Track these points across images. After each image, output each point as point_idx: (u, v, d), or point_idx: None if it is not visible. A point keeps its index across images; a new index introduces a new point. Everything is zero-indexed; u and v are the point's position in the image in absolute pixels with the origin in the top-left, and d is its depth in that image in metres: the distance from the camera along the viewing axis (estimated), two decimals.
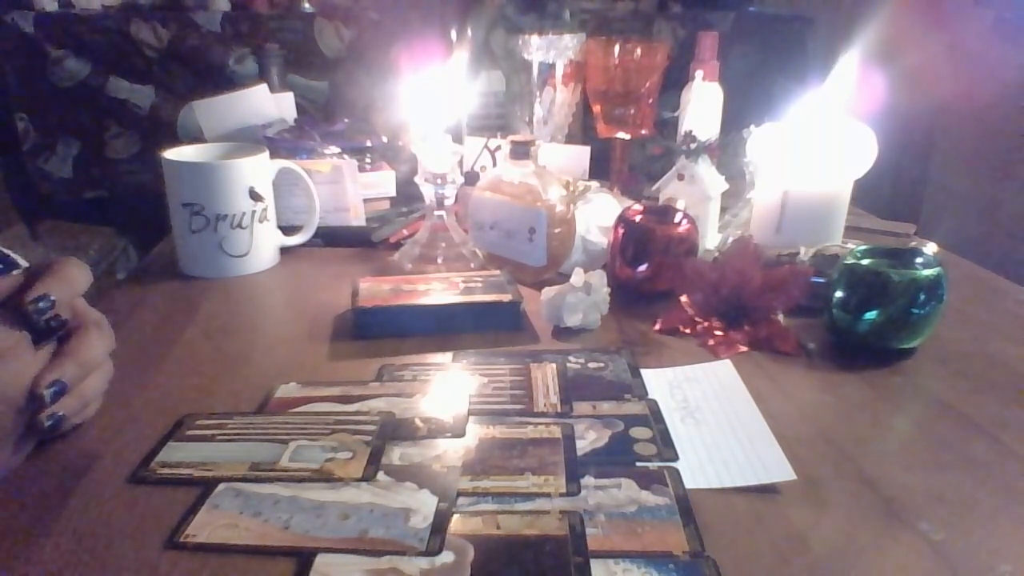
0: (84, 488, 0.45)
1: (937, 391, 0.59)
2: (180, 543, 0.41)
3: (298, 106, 1.07)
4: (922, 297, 0.61)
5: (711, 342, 0.66)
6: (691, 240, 0.75)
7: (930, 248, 0.76)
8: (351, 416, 0.53)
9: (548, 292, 0.68)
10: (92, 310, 0.51)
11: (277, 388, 0.57)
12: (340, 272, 0.81)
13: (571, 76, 1.04)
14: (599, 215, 0.82)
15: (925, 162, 2.08)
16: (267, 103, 1.00)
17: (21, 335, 0.45)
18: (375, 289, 0.70)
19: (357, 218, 0.93)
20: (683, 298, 0.70)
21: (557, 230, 0.76)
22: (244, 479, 0.46)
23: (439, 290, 0.70)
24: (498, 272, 0.75)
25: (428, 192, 0.79)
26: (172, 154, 0.79)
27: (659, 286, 0.74)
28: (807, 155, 0.79)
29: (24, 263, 0.52)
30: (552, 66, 1.03)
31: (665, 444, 0.50)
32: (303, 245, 0.87)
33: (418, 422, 0.53)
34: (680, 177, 0.84)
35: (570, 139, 1.07)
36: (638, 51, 0.95)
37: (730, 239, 0.84)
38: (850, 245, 0.72)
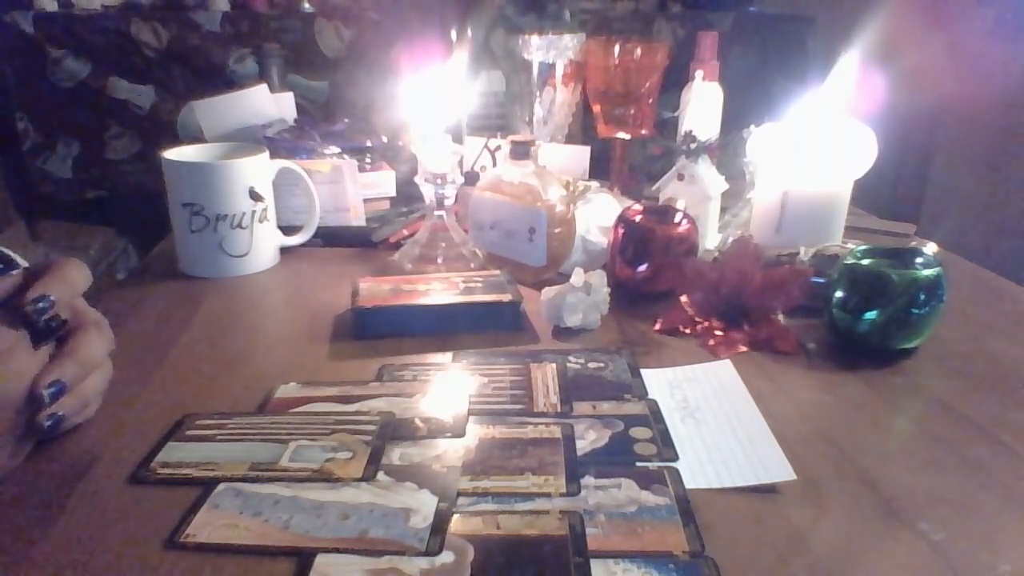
0: (84, 488, 0.45)
1: (937, 391, 0.59)
2: (180, 543, 0.41)
3: (298, 106, 1.07)
4: (922, 297, 0.61)
5: (711, 342, 0.66)
6: (691, 240, 0.75)
7: (930, 248, 0.76)
8: (351, 416, 0.53)
9: (548, 292, 0.68)
10: (92, 310, 0.51)
11: (277, 388, 0.57)
12: (340, 272, 0.81)
13: (571, 76, 1.04)
14: (599, 215, 0.82)
15: (925, 162, 2.08)
16: (267, 103, 1.00)
17: (20, 335, 0.45)
18: (375, 289, 0.70)
19: (357, 218, 0.93)
20: (683, 298, 0.70)
21: (557, 230, 0.76)
22: (244, 479, 0.46)
23: (439, 290, 0.70)
24: (498, 272, 0.75)
25: (428, 192, 0.79)
26: (172, 154, 0.79)
27: (659, 286, 0.74)
28: (807, 155, 0.79)
29: (24, 263, 0.52)
30: (552, 66, 1.03)
31: (665, 444, 0.50)
32: (303, 245, 0.87)
33: (418, 422, 0.53)
34: (680, 177, 0.84)
35: (570, 139, 1.07)
36: (638, 51, 0.95)
37: (730, 239, 0.84)
38: (850, 245, 0.72)
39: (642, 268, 0.75)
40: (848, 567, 0.40)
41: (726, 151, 0.88)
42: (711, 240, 0.86)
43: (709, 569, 0.39)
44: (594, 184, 0.88)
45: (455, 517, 0.43)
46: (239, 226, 0.79)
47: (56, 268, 0.47)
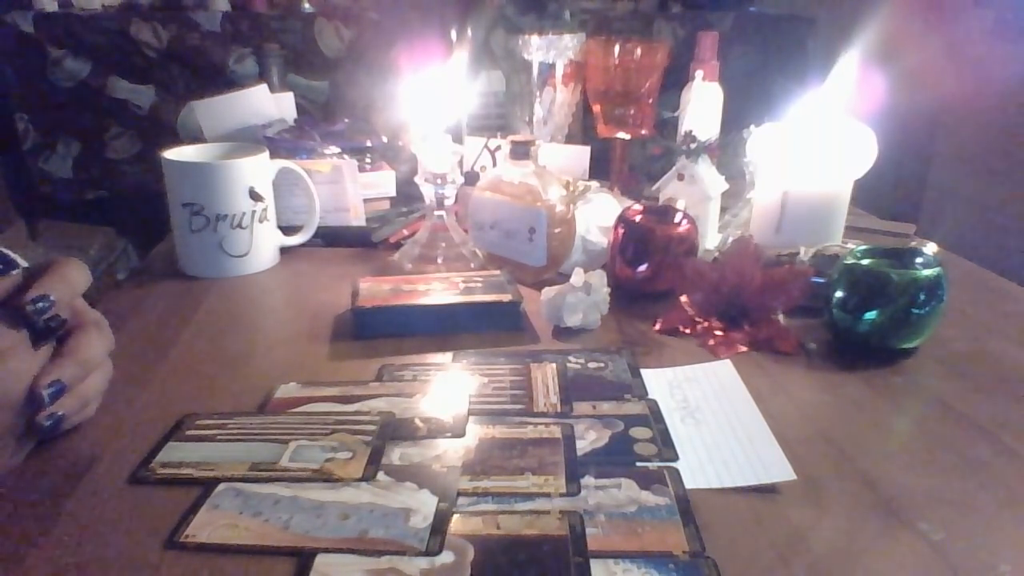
0: (84, 488, 0.45)
1: (937, 391, 0.59)
2: (180, 543, 0.41)
3: (298, 106, 1.07)
4: (922, 297, 0.61)
5: (711, 342, 0.66)
6: (691, 240, 0.75)
7: (930, 248, 0.76)
8: (351, 416, 0.53)
9: (548, 292, 0.68)
10: (92, 310, 0.51)
11: (277, 388, 0.57)
12: (340, 272, 0.81)
13: (571, 76, 1.04)
14: (599, 215, 0.82)
15: (925, 162, 2.08)
16: (267, 103, 1.00)
17: (20, 335, 0.45)
18: (375, 289, 0.70)
19: (357, 218, 0.93)
20: (683, 298, 0.70)
21: (557, 230, 0.76)
22: (244, 479, 0.46)
23: (439, 290, 0.70)
24: (498, 272, 0.75)
25: (428, 192, 0.79)
26: (172, 154, 0.79)
27: (659, 286, 0.74)
28: (807, 155, 0.79)
29: (24, 263, 0.52)
30: (552, 66, 1.03)
31: (665, 444, 0.50)
32: (303, 245, 0.87)
33: (418, 422, 0.53)
34: (680, 177, 0.84)
35: (570, 139, 1.07)
36: (638, 51, 0.95)
37: (730, 239, 0.84)
38: (850, 245, 0.72)
39: (642, 268, 0.75)
40: (848, 567, 0.40)
41: (726, 151, 0.88)
42: (711, 240, 0.86)
43: (709, 569, 0.39)
44: (594, 184, 0.88)
45: (455, 517, 0.43)
46: (239, 226, 0.79)
47: (56, 268, 0.47)
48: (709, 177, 0.84)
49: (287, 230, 0.86)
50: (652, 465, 0.48)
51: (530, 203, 0.76)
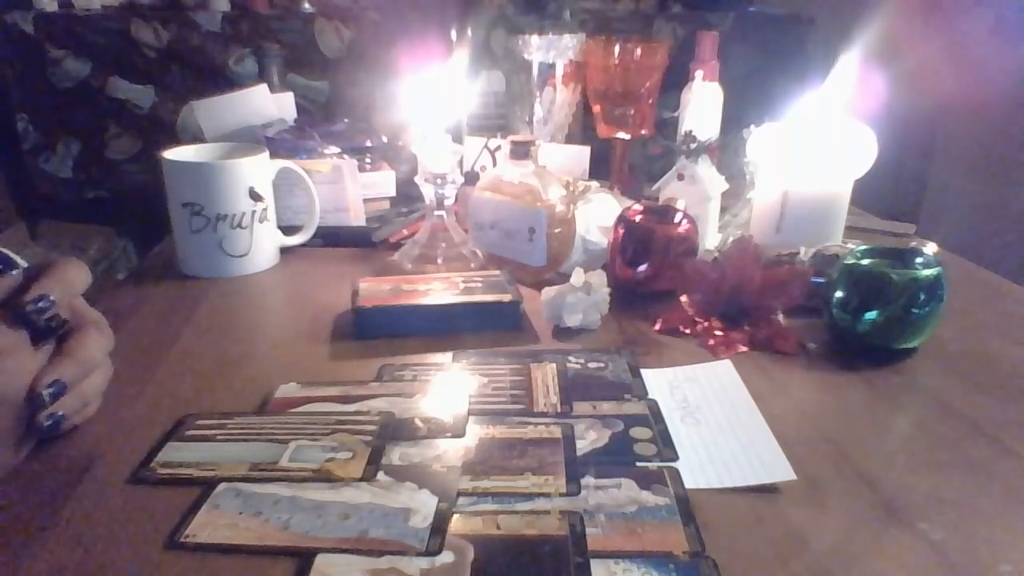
0: (84, 488, 0.45)
1: (937, 391, 0.59)
2: (180, 543, 0.41)
3: (298, 106, 1.07)
4: (922, 297, 0.61)
5: (711, 342, 0.66)
6: (691, 240, 0.75)
7: (930, 248, 0.76)
8: (351, 416, 0.53)
9: (548, 292, 0.68)
10: (92, 310, 0.51)
11: (277, 388, 0.57)
12: (340, 272, 0.81)
13: (571, 76, 1.04)
14: (599, 215, 0.82)
15: (925, 162, 2.08)
16: (267, 103, 1.00)
17: (20, 335, 0.45)
18: (375, 289, 0.70)
19: (357, 218, 0.93)
20: (683, 298, 0.70)
21: (557, 230, 0.76)
22: (244, 479, 0.46)
23: (439, 290, 0.70)
24: (498, 272, 0.75)
25: (428, 192, 0.79)
26: (172, 154, 0.79)
27: (659, 286, 0.74)
28: (807, 155, 0.79)
29: (24, 263, 0.52)
30: (552, 66, 1.03)
31: (665, 444, 0.50)
32: (303, 245, 0.87)
33: (418, 422, 0.53)
34: (680, 177, 0.84)
35: (570, 139, 1.07)
36: (638, 51, 0.95)
37: (730, 239, 0.84)
38: (850, 245, 0.72)
39: (642, 268, 0.75)
40: (848, 567, 0.40)
41: (726, 151, 0.88)
42: (711, 240, 0.86)
43: (709, 569, 0.39)
44: (594, 184, 0.88)
45: (455, 517, 0.43)
46: (239, 226, 0.79)
47: (56, 268, 0.47)
48: (709, 177, 0.84)
49: (287, 230, 0.86)
50: (652, 465, 0.48)
51: (530, 203, 0.76)
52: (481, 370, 0.61)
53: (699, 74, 0.93)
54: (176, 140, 0.89)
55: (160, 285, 0.78)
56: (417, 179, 0.80)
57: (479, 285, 0.71)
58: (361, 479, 0.46)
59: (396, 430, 0.51)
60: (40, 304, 0.45)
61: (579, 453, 0.49)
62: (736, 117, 0.94)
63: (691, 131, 0.83)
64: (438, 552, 0.40)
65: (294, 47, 1.90)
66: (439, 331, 0.67)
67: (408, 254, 0.82)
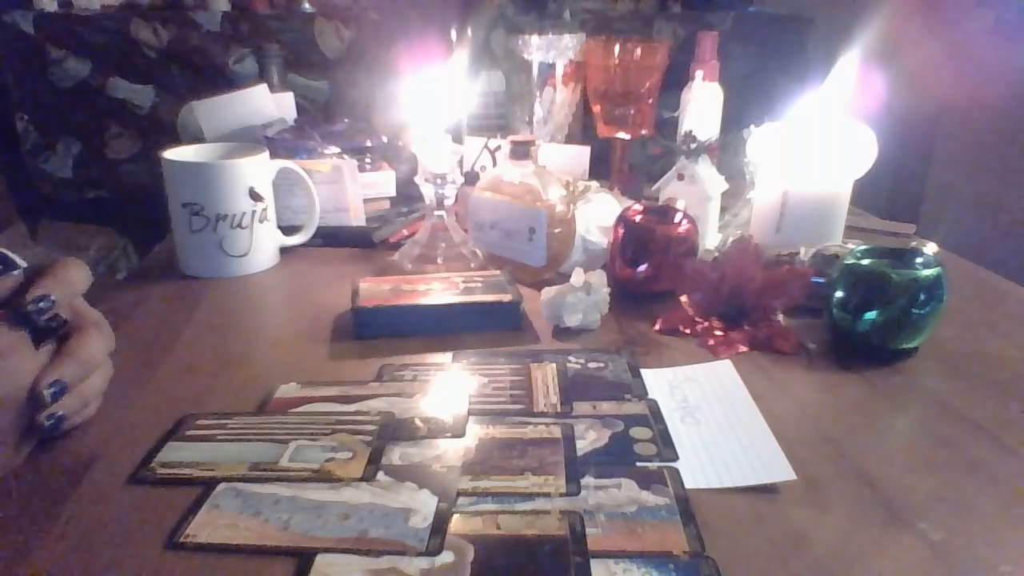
0: (84, 488, 0.45)
1: (937, 391, 0.59)
2: (180, 543, 0.41)
3: (298, 106, 1.07)
4: (922, 297, 0.61)
5: (711, 342, 0.66)
6: (691, 240, 0.75)
7: (930, 248, 0.76)
8: (351, 416, 0.53)
9: (548, 292, 0.68)
10: (92, 310, 0.51)
11: (277, 388, 0.57)
12: (340, 272, 0.81)
13: (571, 76, 1.04)
14: (599, 215, 0.82)
15: (925, 162, 2.08)
16: (267, 103, 1.00)
17: (21, 335, 0.45)
18: (375, 289, 0.70)
19: (357, 218, 0.93)
20: (683, 298, 0.70)
21: (557, 230, 0.76)
22: (244, 479, 0.46)
23: (439, 290, 0.70)
24: (498, 272, 0.75)
25: (428, 192, 0.79)
26: (172, 154, 0.79)
27: (659, 286, 0.74)
28: (807, 155, 0.79)
29: (24, 263, 0.52)
30: (552, 66, 1.03)
31: (665, 444, 0.50)
32: (303, 245, 0.87)
33: (418, 422, 0.53)
34: (680, 177, 0.84)
35: (570, 139, 1.07)
36: (638, 51, 0.95)
37: (730, 239, 0.84)
38: (850, 245, 0.71)
39: (642, 268, 0.75)
40: (848, 567, 0.40)
41: (726, 151, 0.88)
42: (711, 240, 0.86)
43: (709, 569, 0.39)
44: (594, 184, 0.88)
45: (455, 517, 0.43)
46: (239, 226, 0.79)
47: (56, 268, 0.47)
48: (709, 177, 0.84)
49: (287, 230, 0.86)
50: (652, 465, 0.48)
51: (530, 203, 0.76)
52: (481, 370, 0.61)
53: (699, 74, 0.93)
54: (176, 140, 0.89)
55: (160, 285, 0.78)
56: (417, 179, 0.80)
57: (479, 285, 0.71)
58: (361, 479, 0.46)
59: (396, 430, 0.51)
60: (41, 304, 0.45)
61: (579, 453, 0.49)
62: (736, 117, 0.94)
63: (691, 131, 0.83)
64: (438, 552, 0.40)
65: (294, 47, 1.90)
66: (439, 331, 0.67)
67: (408, 254, 0.82)
